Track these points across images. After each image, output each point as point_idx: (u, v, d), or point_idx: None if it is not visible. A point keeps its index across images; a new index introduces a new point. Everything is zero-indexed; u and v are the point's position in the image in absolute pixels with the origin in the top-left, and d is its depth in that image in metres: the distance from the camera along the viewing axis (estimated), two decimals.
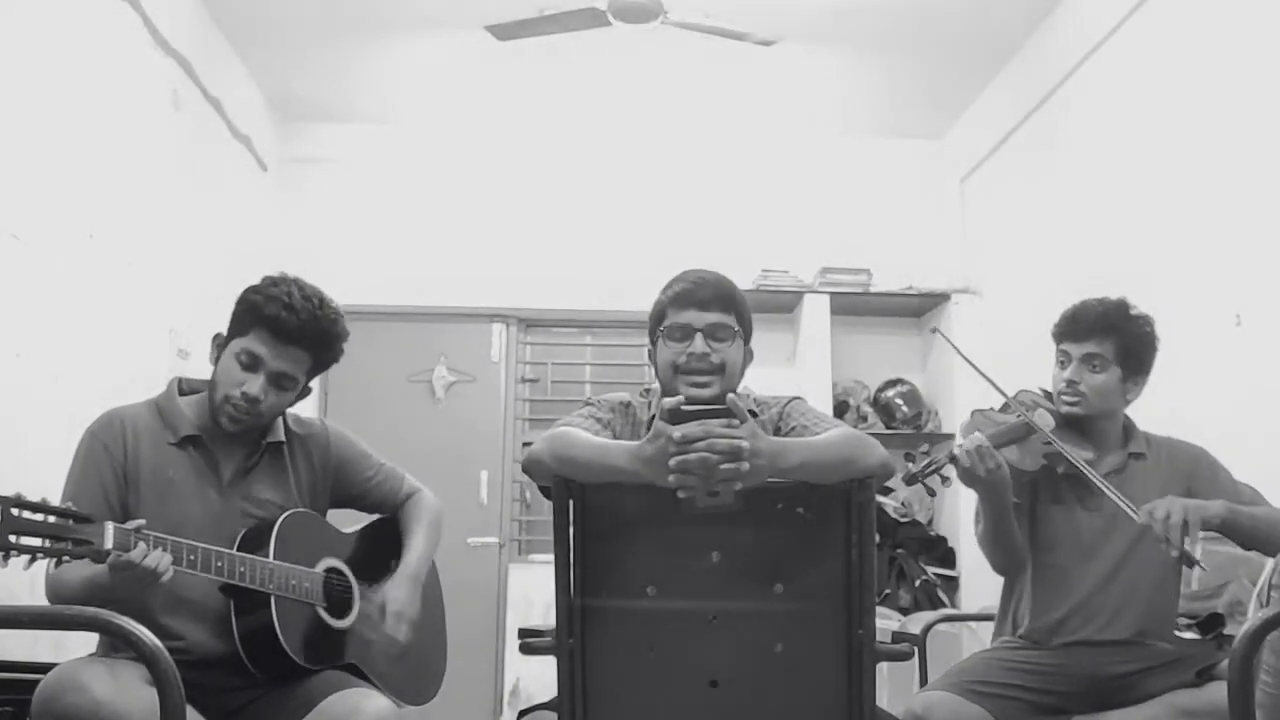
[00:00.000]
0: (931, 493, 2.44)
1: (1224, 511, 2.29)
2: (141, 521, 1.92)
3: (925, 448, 2.45)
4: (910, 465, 2.39)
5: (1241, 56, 3.22)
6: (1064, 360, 2.55)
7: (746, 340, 2.10)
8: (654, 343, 2.11)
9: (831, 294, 5.17)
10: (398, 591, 2.30)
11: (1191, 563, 2.21)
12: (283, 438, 2.30)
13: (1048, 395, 2.61)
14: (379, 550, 2.41)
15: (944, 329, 5.19)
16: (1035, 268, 4.54)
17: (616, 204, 5.44)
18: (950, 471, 2.39)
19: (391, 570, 2.37)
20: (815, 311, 5.15)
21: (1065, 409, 2.53)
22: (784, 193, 5.46)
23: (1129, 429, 2.60)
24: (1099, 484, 2.37)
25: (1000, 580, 2.67)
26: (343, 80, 5.04)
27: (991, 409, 2.58)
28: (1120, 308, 2.55)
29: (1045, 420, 2.50)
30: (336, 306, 2.25)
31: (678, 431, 1.65)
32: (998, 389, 2.54)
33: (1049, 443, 2.44)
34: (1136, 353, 2.53)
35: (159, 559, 1.89)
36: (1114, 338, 2.51)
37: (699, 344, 2.02)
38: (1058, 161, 4.37)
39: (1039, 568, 2.53)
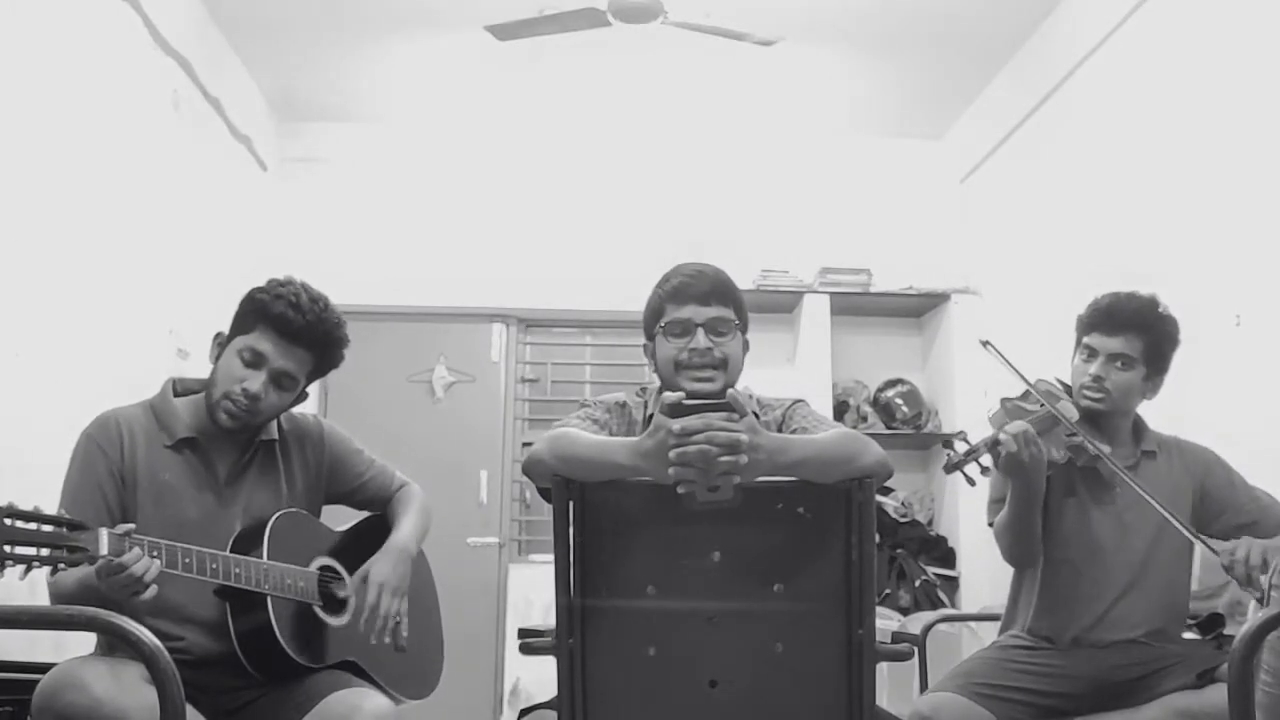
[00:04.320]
0: (971, 482, 2.39)
1: None
2: (131, 526, 1.91)
3: (963, 433, 2.42)
4: (950, 453, 2.36)
5: (1241, 57, 3.22)
6: (1089, 355, 2.52)
7: (744, 332, 2.09)
8: (651, 339, 2.10)
9: (831, 294, 5.17)
10: (380, 564, 2.29)
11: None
12: (275, 436, 2.30)
13: (1065, 387, 2.58)
14: (372, 547, 2.39)
15: (944, 329, 5.22)
16: (1035, 268, 4.54)
17: (616, 204, 5.44)
18: (988, 460, 2.36)
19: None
20: (815, 311, 5.15)
21: (1087, 404, 2.50)
22: (784, 192, 5.46)
23: (1139, 426, 2.59)
24: (1138, 487, 2.36)
25: (1004, 578, 2.66)
26: (343, 80, 5.04)
27: (1016, 399, 2.54)
28: (1152, 306, 2.53)
29: (1070, 412, 2.47)
30: (340, 313, 2.25)
31: (677, 424, 1.65)
32: (1034, 389, 2.49)
33: (1073, 434, 2.42)
34: (1162, 353, 2.52)
35: (147, 566, 1.87)
36: (1144, 337, 2.48)
37: (701, 339, 2.01)
38: (1058, 161, 4.37)
39: (1050, 562, 2.52)
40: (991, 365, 2.59)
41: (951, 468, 2.36)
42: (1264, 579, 2.20)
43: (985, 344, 2.60)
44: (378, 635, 2.25)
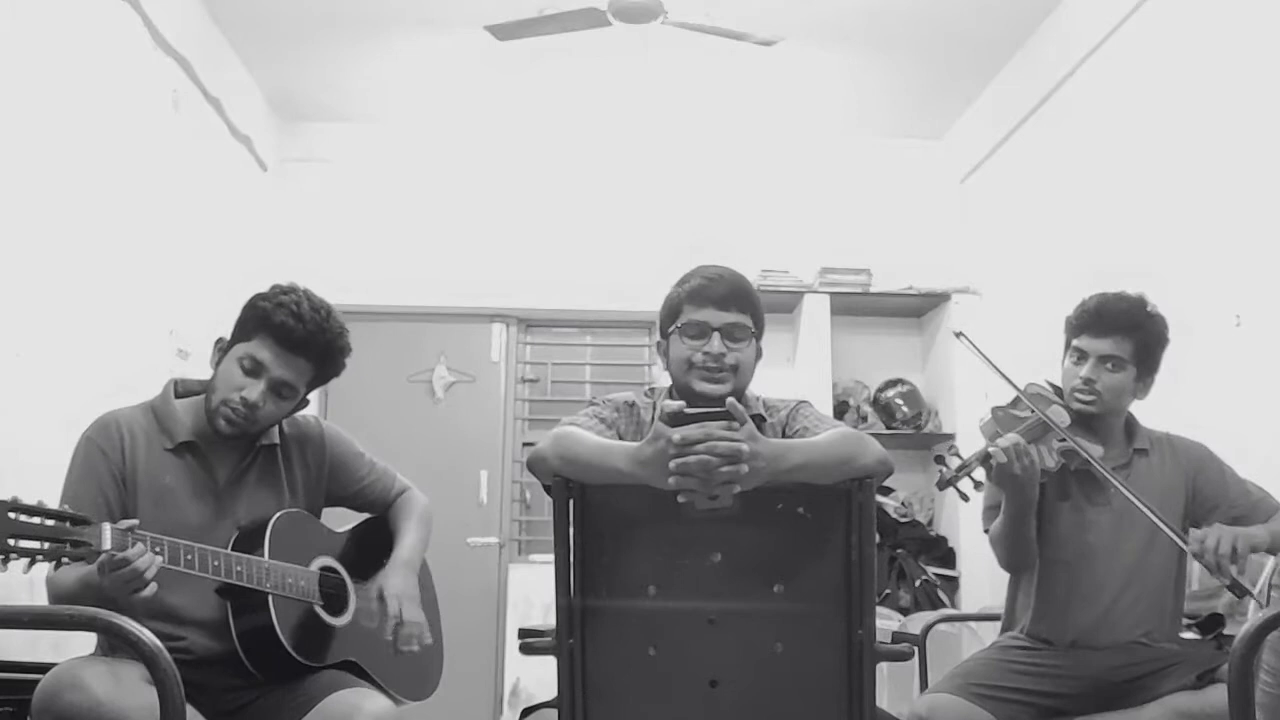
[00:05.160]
0: (965, 497, 2.37)
1: (1268, 537, 2.30)
2: (135, 521, 1.91)
3: (953, 448, 2.40)
4: (943, 470, 2.34)
5: (1241, 57, 3.22)
6: (1079, 357, 2.50)
7: (759, 339, 2.08)
8: (666, 338, 2.09)
9: (831, 294, 5.17)
10: (393, 579, 2.30)
11: (1243, 592, 2.19)
12: (276, 440, 2.30)
13: (1056, 389, 2.57)
14: (372, 548, 2.41)
15: (944, 329, 5.22)
16: (1035, 268, 4.54)
17: (616, 204, 5.44)
18: (981, 474, 2.34)
19: (385, 566, 2.37)
20: (815, 311, 5.15)
21: (1079, 407, 2.48)
22: (784, 192, 5.46)
23: (1131, 424, 2.58)
24: (1128, 493, 2.34)
25: (1004, 578, 2.66)
26: (342, 80, 5.04)
27: (1007, 406, 2.53)
28: (1140, 306, 2.51)
29: (1061, 417, 2.46)
30: (343, 321, 2.25)
31: (677, 434, 1.65)
32: (1019, 391, 2.48)
33: (1064, 440, 2.41)
34: (1152, 353, 2.50)
35: (149, 561, 1.88)
36: (1134, 337, 2.47)
37: (716, 343, 2.00)
38: (1058, 161, 4.37)
39: (1045, 564, 2.52)
40: (986, 364, 2.57)
41: (945, 484, 2.34)
42: (1262, 578, 2.20)
43: (959, 335, 2.58)
44: (405, 644, 2.26)
